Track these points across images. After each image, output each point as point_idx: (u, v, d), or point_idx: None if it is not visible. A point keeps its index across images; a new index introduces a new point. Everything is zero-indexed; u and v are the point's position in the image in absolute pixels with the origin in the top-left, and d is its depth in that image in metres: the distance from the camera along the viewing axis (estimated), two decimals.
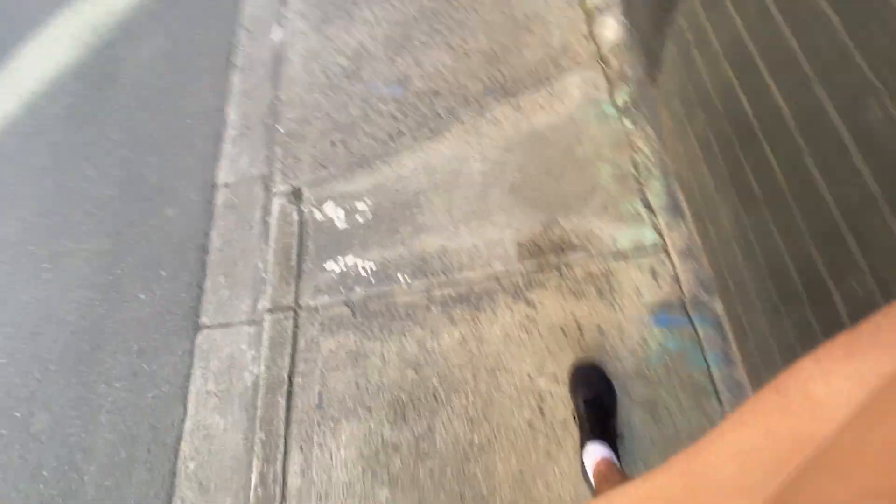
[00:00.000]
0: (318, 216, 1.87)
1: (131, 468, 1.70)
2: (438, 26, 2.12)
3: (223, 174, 2.21)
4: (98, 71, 2.71)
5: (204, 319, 1.89)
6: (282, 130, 2.19)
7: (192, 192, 2.19)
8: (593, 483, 1.16)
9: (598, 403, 1.24)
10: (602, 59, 1.79)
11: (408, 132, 1.91)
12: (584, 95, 1.76)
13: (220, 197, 2.15)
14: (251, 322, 1.84)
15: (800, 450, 0.28)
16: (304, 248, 1.83)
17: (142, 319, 1.94)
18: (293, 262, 1.80)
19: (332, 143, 2.01)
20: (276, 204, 1.96)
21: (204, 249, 2.03)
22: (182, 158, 2.29)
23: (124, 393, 1.82)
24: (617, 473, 1.08)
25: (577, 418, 1.28)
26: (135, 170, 2.31)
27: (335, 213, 1.84)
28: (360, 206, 1.82)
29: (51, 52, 2.89)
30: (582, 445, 1.22)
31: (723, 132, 1.20)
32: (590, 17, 1.88)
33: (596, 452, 1.16)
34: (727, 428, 0.34)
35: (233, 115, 2.37)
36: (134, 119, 2.48)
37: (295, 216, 1.89)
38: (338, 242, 1.79)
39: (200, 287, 1.96)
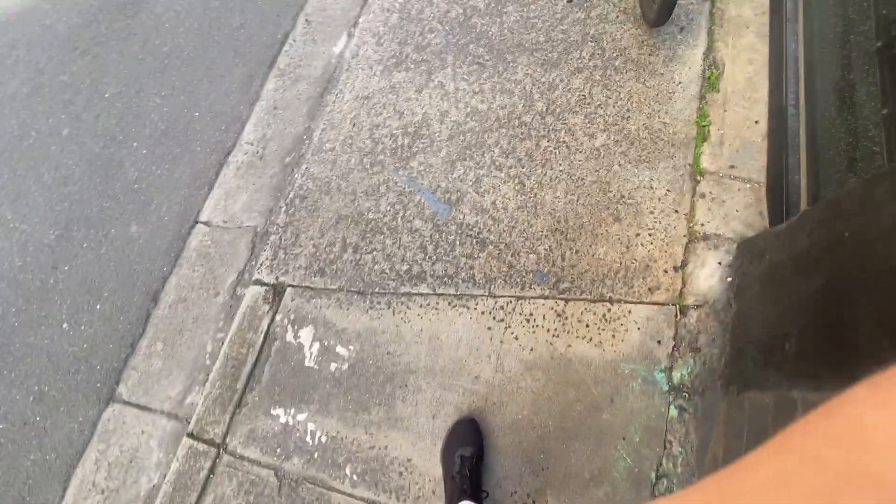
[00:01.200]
0: (290, 337, 1.56)
1: None
2: (519, 148, 1.73)
3: (210, 208, 1.84)
4: None
5: (122, 389, 1.61)
6: (298, 182, 1.82)
7: (168, 213, 1.83)
8: None
9: (473, 461, 1.26)
10: (681, 307, 1.46)
11: (430, 280, 1.58)
12: (640, 342, 1.45)
13: (197, 237, 1.81)
14: (172, 416, 1.57)
15: (849, 483, 0.26)
16: (258, 369, 1.53)
17: (55, 356, 1.65)
18: (239, 384, 1.51)
19: (343, 245, 1.67)
20: (252, 291, 1.63)
21: (154, 298, 1.71)
22: (173, 162, 1.90)
23: (5, 439, 1.56)
24: None
25: (450, 478, 1.27)
26: (115, 153, 1.92)
27: (309, 345, 1.53)
28: (342, 351, 1.52)
29: None
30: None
31: None
32: (691, 241, 1.53)
33: None
34: (768, 451, 0.30)
35: (250, 131, 1.97)
36: (139, 79, 2.05)
37: (265, 322, 1.58)
38: (297, 385, 1.49)
39: (133, 345, 1.66)
